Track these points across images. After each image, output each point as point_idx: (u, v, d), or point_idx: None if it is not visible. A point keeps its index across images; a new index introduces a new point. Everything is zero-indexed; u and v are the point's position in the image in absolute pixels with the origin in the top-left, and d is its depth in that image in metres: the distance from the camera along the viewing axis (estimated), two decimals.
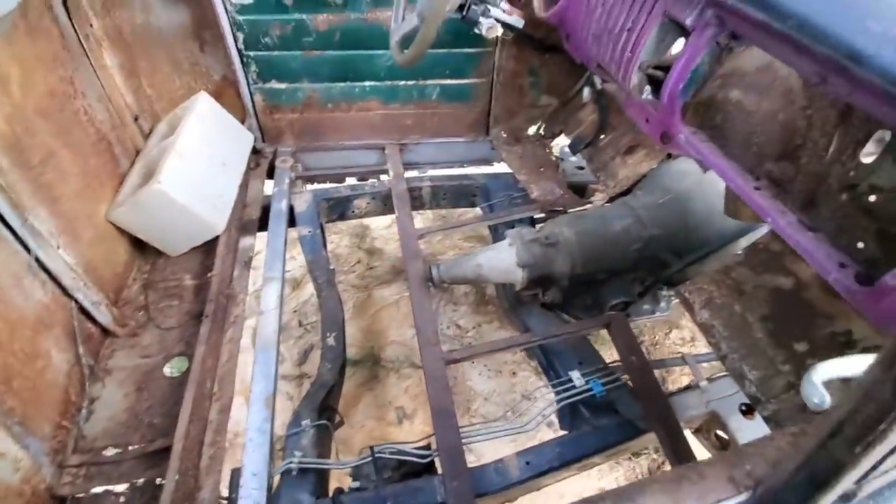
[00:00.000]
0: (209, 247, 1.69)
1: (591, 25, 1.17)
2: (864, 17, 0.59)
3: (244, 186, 1.93)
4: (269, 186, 2.09)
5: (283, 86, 2.11)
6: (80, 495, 1.14)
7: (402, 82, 2.21)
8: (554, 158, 2.37)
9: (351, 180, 2.35)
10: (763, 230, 1.34)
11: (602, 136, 2.17)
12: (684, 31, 0.90)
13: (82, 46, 1.46)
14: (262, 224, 1.91)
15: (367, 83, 2.17)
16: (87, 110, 1.46)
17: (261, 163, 2.15)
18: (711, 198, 1.52)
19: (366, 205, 2.22)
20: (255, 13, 1.88)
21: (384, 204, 2.23)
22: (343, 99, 2.21)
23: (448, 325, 2.44)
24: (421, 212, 2.88)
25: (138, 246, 1.64)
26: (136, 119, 1.71)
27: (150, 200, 1.47)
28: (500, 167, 2.42)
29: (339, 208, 2.18)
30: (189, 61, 1.97)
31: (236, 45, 1.94)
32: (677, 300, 1.71)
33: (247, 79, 2.04)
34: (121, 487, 1.14)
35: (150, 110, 1.81)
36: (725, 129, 1.05)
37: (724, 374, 1.54)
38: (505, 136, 2.45)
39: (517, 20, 1.47)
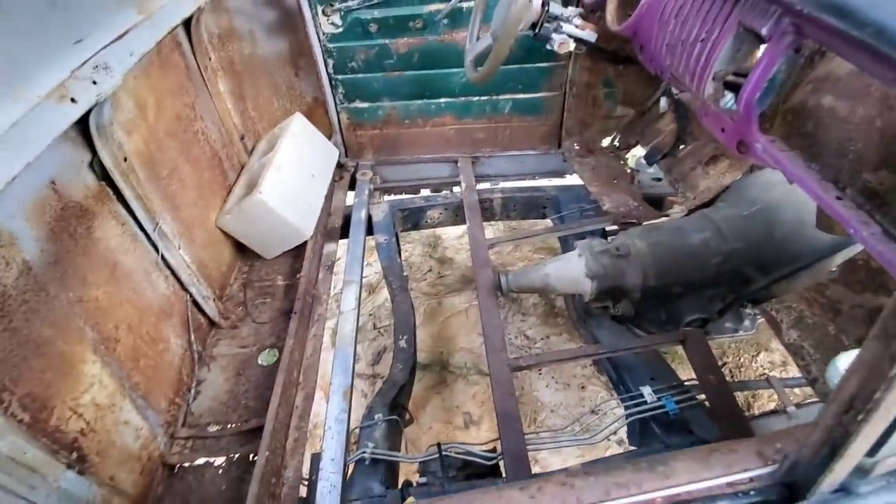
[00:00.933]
0: (298, 251, 1.86)
1: (665, 36, 1.17)
2: None
3: (329, 197, 2.10)
4: (350, 197, 2.26)
5: (365, 105, 2.28)
6: (187, 464, 1.31)
7: (476, 98, 2.29)
8: (629, 170, 2.32)
9: (425, 192, 2.46)
10: (858, 246, 1.23)
11: (681, 147, 2.10)
12: (760, 40, 0.88)
13: (202, 76, 1.70)
14: (344, 232, 2.07)
15: (442, 100, 2.28)
16: (204, 131, 1.70)
17: (344, 175, 2.32)
18: (802, 210, 1.42)
19: (438, 215, 2.32)
20: (343, 41, 2.06)
21: (456, 214, 2.31)
22: (419, 115, 2.33)
23: (516, 335, 2.46)
24: (492, 223, 2.94)
25: (240, 249, 1.86)
26: (241, 138, 1.95)
27: (252, 209, 1.66)
28: (572, 179, 2.41)
29: (413, 218, 2.30)
30: (286, 85, 2.20)
31: (326, 70, 2.14)
32: (763, 319, 1.60)
33: (334, 99, 2.24)
34: (220, 460, 1.29)
35: (253, 130, 2.05)
36: (818, 136, 1.00)
37: (815, 399, 1.42)
38: (577, 148, 2.44)
39: (590, 34, 1.49)
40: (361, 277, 1.84)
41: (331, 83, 2.18)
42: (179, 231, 1.47)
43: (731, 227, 1.53)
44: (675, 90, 1.73)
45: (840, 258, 1.38)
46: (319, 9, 1.96)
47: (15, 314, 0.89)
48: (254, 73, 2.02)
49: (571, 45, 1.49)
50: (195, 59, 1.65)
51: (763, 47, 0.93)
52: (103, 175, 1.17)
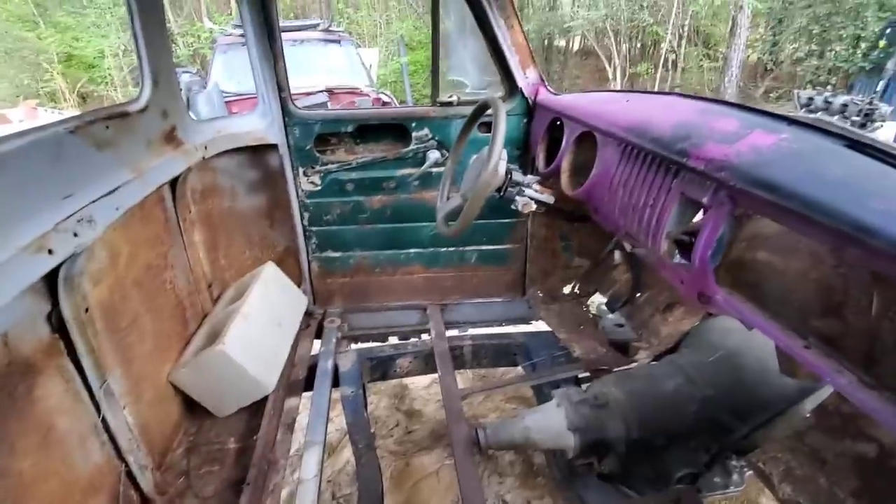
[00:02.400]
0: (256, 407, 1.71)
1: (617, 202, 1.33)
2: (866, 197, 0.67)
3: (294, 346, 2.02)
4: (316, 346, 2.18)
5: (337, 254, 2.36)
6: None
7: (444, 249, 2.43)
8: (592, 316, 2.41)
9: (394, 339, 2.42)
10: (828, 389, 1.27)
11: (638, 295, 2.23)
12: (703, 207, 1.02)
13: (179, 227, 1.73)
14: (308, 384, 1.94)
15: (412, 250, 2.40)
16: (172, 280, 1.66)
17: (311, 324, 2.28)
18: (764, 355, 1.48)
19: (408, 363, 2.25)
20: (320, 197, 2.21)
21: (426, 363, 2.25)
22: (389, 264, 2.42)
23: (494, 500, 2.22)
24: (461, 371, 2.86)
25: (188, 407, 1.68)
26: (209, 286, 1.92)
27: (212, 361, 1.56)
28: (539, 325, 2.46)
29: (382, 367, 2.21)
30: (259, 235, 2.26)
31: (302, 223, 2.24)
32: (750, 472, 1.54)
33: (307, 249, 2.31)
34: None
35: (221, 278, 2.04)
36: (762, 287, 1.10)
37: None
38: (541, 295, 2.55)
39: (548, 197, 1.68)
40: (325, 437, 1.68)
41: (305, 234, 2.26)
42: (128, 389, 1.33)
43: (700, 374, 1.55)
44: (626, 245, 1.90)
45: (811, 403, 1.40)
46: (301, 170, 2.14)
47: None
48: (229, 224, 2.08)
49: (533, 206, 1.66)
50: (175, 212, 1.70)
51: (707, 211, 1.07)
52: (59, 327, 1.09)
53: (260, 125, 2.00)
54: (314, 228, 2.28)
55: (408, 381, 2.89)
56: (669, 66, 11.91)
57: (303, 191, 2.19)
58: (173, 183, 1.64)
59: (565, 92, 2.08)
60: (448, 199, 1.86)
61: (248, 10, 1.81)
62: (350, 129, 2.10)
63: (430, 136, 2.13)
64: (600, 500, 1.52)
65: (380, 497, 1.61)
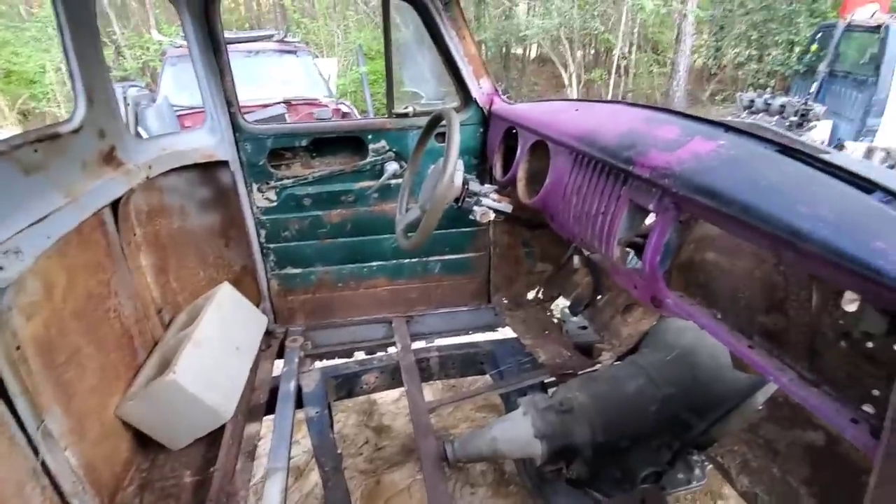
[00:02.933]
0: (213, 437, 1.63)
1: (570, 209, 1.35)
2: (796, 202, 0.70)
3: (254, 369, 1.95)
4: (278, 367, 2.11)
5: (297, 271, 2.30)
6: None
7: (407, 260, 2.41)
8: (556, 321, 2.44)
9: (360, 355, 2.37)
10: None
11: (599, 297, 2.28)
12: (650, 213, 1.05)
13: (123, 252, 1.64)
14: (269, 407, 1.88)
15: (374, 263, 2.37)
16: (117, 308, 1.57)
17: (272, 344, 2.20)
18: (716, 352, 1.53)
19: (374, 379, 2.21)
20: (277, 213, 2.15)
21: (393, 377, 2.21)
22: (352, 278, 2.38)
23: None
24: (430, 383, 2.84)
25: (140, 441, 1.59)
26: (159, 311, 1.83)
27: (163, 392, 1.48)
28: (506, 332, 2.47)
29: (347, 385, 2.16)
30: (214, 255, 2.18)
31: (259, 240, 2.18)
32: (711, 466, 1.59)
33: (265, 267, 2.24)
34: None
35: (173, 302, 1.94)
36: (711, 287, 1.13)
37: None
38: (506, 301, 2.57)
39: (506, 206, 1.69)
40: (288, 463, 1.62)
41: (262, 251, 2.20)
42: (70, 428, 1.24)
43: (659, 373, 1.59)
44: (584, 250, 1.94)
45: (762, 396, 1.46)
46: (255, 186, 2.07)
47: None
48: (180, 245, 2.00)
49: (491, 215, 1.67)
50: (118, 235, 1.61)
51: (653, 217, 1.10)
52: None
53: (209, 141, 1.93)
54: (272, 245, 2.22)
55: (376, 396, 2.84)
56: (622, 72, 12.34)
57: (258, 207, 2.12)
58: (115, 205, 1.56)
59: (524, 98, 2.11)
60: (407, 210, 1.84)
61: (190, 23, 1.74)
62: (304, 142, 2.05)
63: (387, 147, 2.12)
64: (570, 503, 1.53)
65: None
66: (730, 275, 1.11)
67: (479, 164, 2.22)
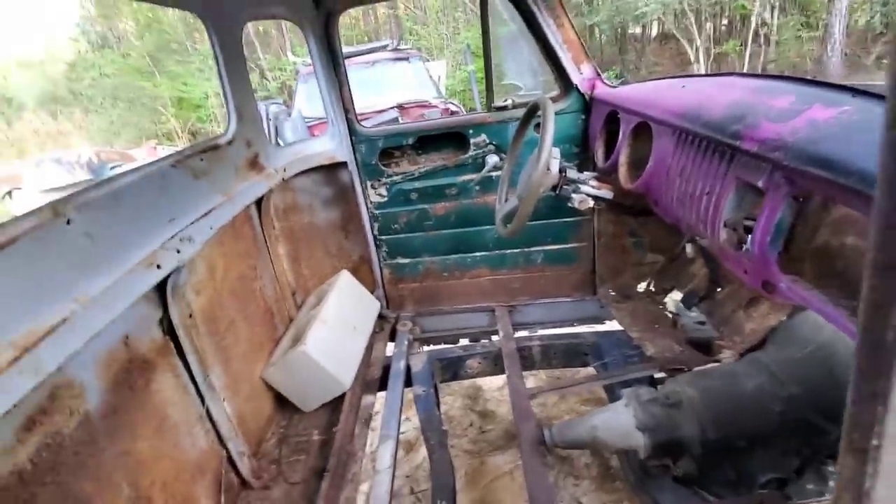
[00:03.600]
0: (335, 405, 1.86)
1: (674, 192, 1.29)
2: None
3: (369, 348, 2.16)
4: (390, 348, 2.31)
5: (406, 260, 2.48)
6: None
7: (509, 251, 2.45)
8: (669, 314, 2.29)
9: (464, 341, 2.49)
10: None
11: (718, 290, 2.09)
12: (760, 191, 0.97)
13: (266, 242, 1.95)
14: (382, 384, 2.07)
15: (477, 254, 2.46)
16: (262, 289, 1.87)
17: (384, 327, 2.41)
18: None
19: (477, 364, 2.30)
20: (388, 208, 2.35)
21: (495, 364, 2.28)
22: (457, 268, 2.49)
23: (569, 502, 2.19)
24: (534, 372, 2.86)
25: (279, 403, 1.87)
26: (293, 293, 2.12)
27: (296, 360, 1.73)
28: (612, 325, 2.39)
29: (452, 368, 2.28)
30: (336, 246, 2.45)
31: (372, 232, 2.40)
32: None
33: (378, 257, 2.46)
34: None
35: (304, 286, 2.24)
36: (850, 274, 1.01)
37: None
38: (613, 293, 2.48)
39: (606, 193, 1.65)
40: (398, 432, 1.78)
41: (376, 243, 2.42)
42: (227, 384, 1.53)
43: (786, 371, 1.43)
44: (698, 237, 1.81)
45: None
46: (369, 183, 2.29)
47: (64, 467, 0.92)
48: (309, 237, 2.29)
49: (590, 203, 1.64)
50: (262, 229, 1.92)
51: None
52: (168, 330, 1.29)
53: (330, 145, 2.18)
54: (384, 237, 2.43)
55: (481, 382, 2.94)
56: (761, 41, 10.85)
57: (371, 203, 2.34)
58: (259, 203, 1.86)
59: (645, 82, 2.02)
60: (506, 200, 1.89)
61: (313, 42, 1.99)
62: (411, 141, 2.21)
63: (487, 141, 2.18)
64: (676, 502, 1.45)
65: (451, 492, 1.67)
66: (852, 258, 0.98)
67: (580, 153, 2.18)
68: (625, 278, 2.49)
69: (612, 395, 1.96)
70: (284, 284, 2.06)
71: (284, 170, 1.99)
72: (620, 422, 1.51)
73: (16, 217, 0.89)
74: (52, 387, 0.90)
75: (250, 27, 13.27)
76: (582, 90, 2.04)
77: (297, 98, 6.47)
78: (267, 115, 5.62)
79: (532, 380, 2.84)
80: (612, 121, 1.87)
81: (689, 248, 2.04)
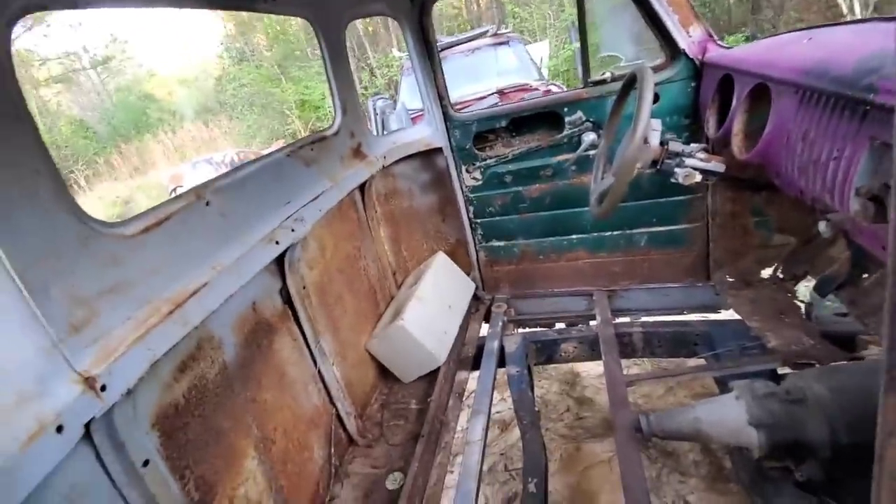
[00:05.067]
0: (432, 378, 1.97)
1: (795, 160, 1.14)
2: None
3: (464, 328, 2.24)
4: (484, 329, 2.36)
5: (501, 243, 2.50)
6: None
7: (609, 233, 2.35)
8: (800, 304, 2.02)
9: (560, 325, 2.45)
10: None
11: (864, 276, 1.79)
12: None
13: (368, 225, 2.11)
14: (476, 363, 2.13)
15: (574, 236, 2.39)
16: (365, 268, 2.04)
17: (479, 308, 2.47)
18: None
19: (573, 349, 2.25)
20: (482, 191, 2.39)
21: (592, 349, 2.22)
22: (553, 251, 2.45)
23: (673, 499, 2.06)
24: (637, 361, 2.72)
25: (382, 372, 2.04)
26: (394, 273, 2.27)
27: (395, 334, 1.87)
28: (727, 314, 2.18)
29: (546, 351, 2.27)
30: (433, 229, 2.56)
31: (468, 215, 2.46)
32: None
33: (474, 240, 2.51)
34: None
35: (403, 267, 2.38)
36: None
37: None
38: (731, 280, 2.25)
39: (716, 165, 1.50)
40: (490, 408, 1.83)
41: (471, 226, 2.47)
42: (335, 350, 1.71)
43: None
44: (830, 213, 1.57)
45: None
46: (464, 168, 2.35)
47: (208, 405, 1.13)
48: (408, 221, 2.42)
49: (697, 177, 1.51)
50: (365, 212, 2.08)
51: None
52: (287, 299, 1.48)
53: (427, 132, 2.28)
54: (479, 220, 2.47)
55: (579, 368, 2.87)
56: None
57: (466, 186, 2.39)
58: (362, 188, 2.01)
59: None
60: (601, 179, 1.81)
61: (409, 34, 2.09)
62: (504, 123, 2.21)
63: (583, 118, 2.10)
64: None
65: (543, 471, 1.68)
66: None
67: (690, 124, 2.00)
68: (745, 262, 2.24)
69: (725, 388, 1.80)
70: (385, 264, 2.22)
71: (385, 157, 2.13)
72: (729, 415, 1.39)
73: (169, 199, 1.10)
74: (198, 339, 1.10)
75: (360, 28, 14.11)
76: (691, 55, 1.87)
77: (400, 92, 6.77)
78: (374, 109, 5.98)
79: (635, 369, 2.70)
80: (727, 86, 1.68)
81: (822, 227, 1.79)
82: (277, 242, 1.33)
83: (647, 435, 1.52)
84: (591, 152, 2.15)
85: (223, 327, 1.21)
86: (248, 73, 16.50)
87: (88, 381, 0.77)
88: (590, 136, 2.13)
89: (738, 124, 1.53)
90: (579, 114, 2.11)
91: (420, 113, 5.85)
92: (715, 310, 2.29)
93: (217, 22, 18.96)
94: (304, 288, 1.53)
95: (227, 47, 18.51)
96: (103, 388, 0.78)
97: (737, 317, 2.05)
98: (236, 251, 1.20)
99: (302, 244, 1.50)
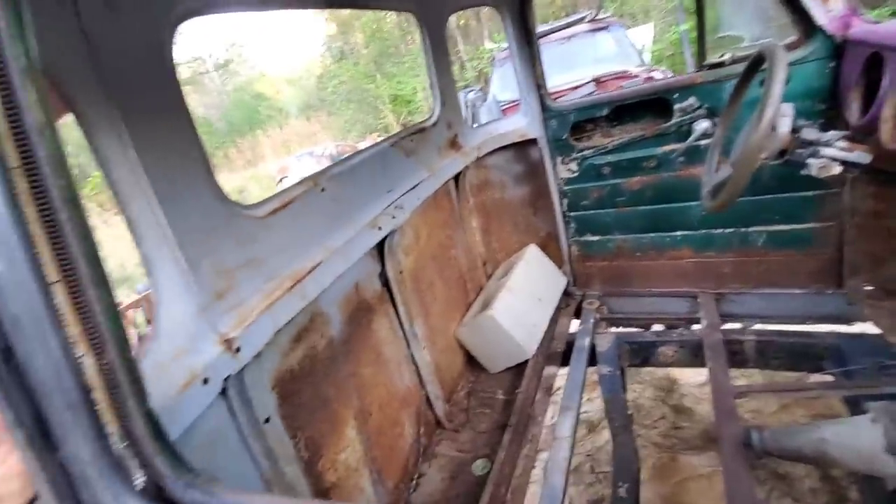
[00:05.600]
0: (519, 370, 1.96)
1: None
2: None
3: (553, 322, 2.19)
4: (574, 325, 2.29)
5: (595, 238, 2.40)
6: None
7: (719, 230, 2.15)
8: None
9: (657, 327, 2.30)
10: None
11: None
12: None
13: (460, 215, 2.14)
14: (565, 359, 2.08)
15: (678, 232, 2.23)
16: (456, 257, 2.08)
17: (570, 303, 2.40)
18: None
19: (672, 353, 2.11)
20: (577, 183, 2.31)
21: (694, 355, 2.06)
22: (652, 248, 2.31)
23: None
24: (746, 372, 2.48)
25: (469, 360, 2.07)
26: (483, 264, 2.29)
27: (485, 324, 1.88)
28: (864, 327, 1.90)
29: (642, 353, 2.15)
30: (524, 222, 2.53)
31: (561, 208, 2.39)
32: None
33: (566, 233, 2.44)
34: None
35: (493, 258, 2.39)
36: None
37: None
38: (869, 288, 1.96)
39: (860, 156, 1.31)
40: (580, 405, 1.78)
41: (564, 219, 2.40)
42: (426, 335, 1.76)
43: None
44: None
45: None
46: (559, 159, 2.29)
47: (317, 373, 1.23)
48: (500, 212, 2.42)
49: (836, 169, 1.33)
50: (458, 202, 2.11)
51: None
52: (385, 283, 1.56)
53: (522, 123, 2.25)
54: (573, 213, 2.40)
55: (677, 375, 2.69)
56: None
57: (561, 179, 2.33)
58: (456, 179, 2.05)
59: None
60: (716, 170, 1.67)
61: (509, 23, 2.07)
62: (605, 112, 2.12)
63: (696, 105, 1.94)
64: None
65: (635, 478, 1.61)
66: None
67: (826, 109, 1.76)
68: (889, 269, 1.94)
69: (856, 409, 1.58)
70: (476, 255, 2.24)
71: (479, 148, 2.14)
72: (862, 439, 1.23)
73: (292, 185, 1.22)
74: (311, 313, 1.20)
75: (453, 21, 14.24)
76: (830, 31, 1.64)
77: (492, 84, 6.74)
78: (465, 102, 6.03)
79: (743, 380, 2.47)
80: (874, 67, 1.46)
81: None
82: (380, 228, 1.41)
83: (757, 452, 1.39)
84: (704, 142, 1.98)
85: (331, 304, 1.30)
86: (346, 71, 17.43)
87: (227, 343, 0.88)
88: (703, 124, 1.96)
89: (888, 109, 1.32)
90: (692, 100, 1.95)
91: (511, 105, 5.81)
92: (847, 321, 2.01)
93: (320, 23, 20.25)
94: (400, 273, 1.60)
95: (328, 47, 19.70)
96: (238, 350, 0.89)
97: (875, 330, 1.79)
98: (345, 234, 1.29)
99: (400, 231, 1.57)
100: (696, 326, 2.18)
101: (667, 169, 2.12)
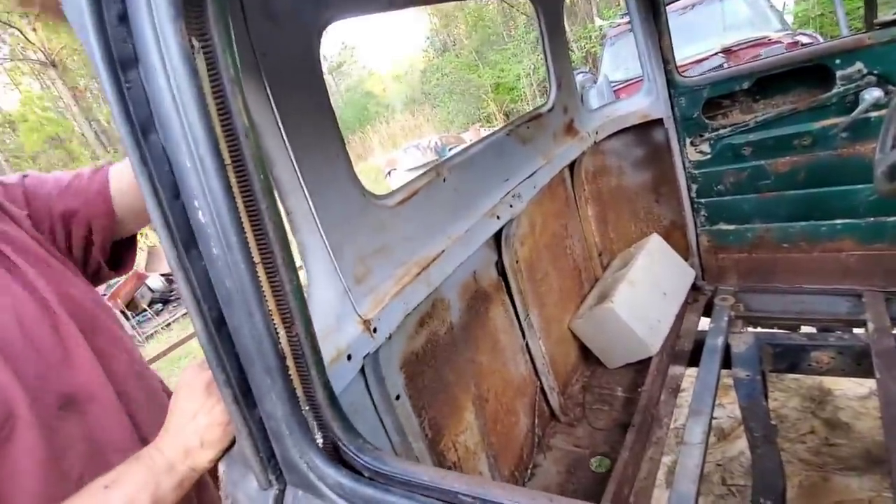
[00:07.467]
0: (640, 367, 1.84)
1: None
2: None
3: (680, 318, 2.02)
4: (704, 323, 2.09)
5: (731, 227, 2.16)
6: None
7: (893, 218, 1.81)
8: None
9: (807, 329, 2.02)
10: None
11: None
12: None
13: (576, 204, 2.05)
14: (693, 359, 1.90)
15: (838, 221, 1.91)
16: (571, 247, 2.00)
17: (699, 299, 2.19)
18: None
19: (828, 360, 1.83)
20: (710, 167, 2.08)
21: (857, 363, 1.77)
22: (803, 238, 2.01)
23: None
24: None
25: (584, 353, 1.99)
26: (599, 254, 2.18)
27: (603, 316, 1.80)
28: None
29: (788, 357, 1.89)
30: (644, 210, 2.35)
31: (689, 195, 2.18)
32: None
33: (695, 222, 2.22)
34: None
35: (609, 248, 2.27)
36: None
37: None
38: None
39: None
40: (712, 410, 1.62)
41: (692, 206, 2.19)
42: (540, 326, 1.73)
43: None
44: None
45: None
46: (688, 140, 2.08)
47: (438, 358, 1.27)
48: (617, 200, 2.28)
49: None
50: (573, 190, 2.03)
51: None
52: (501, 272, 1.56)
53: (644, 103, 2.08)
54: (703, 200, 2.18)
55: (831, 385, 2.34)
56: None
57: (690, 162, 2.12)
58: (571, 166, 1.97)
59: None
60: (893, 147, 1.39)
61: None
62: (746, 85, 1.88)
63: (864, 71, 1.64)
64: None
65: (780, 494, 1.44)
66: None
67: None
68: None
69: None
70: (591, 245, 2.14)
71: (596, 132, 2.03)
72: None
73: (417, 177, 1.27)
74: (434, 299, 1.25)
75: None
76: None
77: (602, 64, 6.36)
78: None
79: None
80: None
81: None
82: (498, 217, 1.40)
83: None
84: (875, 113, 1.67)
85: (451, 292, 1.33)
86: (449, 63, 17.68)
87: (366, 324, 0.94)
88: (874, 93, 1.65)
89: None
90: (859, 66, 1.65)
91: (624, 85, 5.43)
92: None
93: (424, 18, 20.75)
94: (516, 262, 1.59)
95: (431, 41, 20.12)
96: (374, 331, 0.95)
97: None
98: (466, 223, 1.31)
99: (516, 220, 1.55)
100: (858, 330, 1.87)
101: (825, 147, 1.82)
